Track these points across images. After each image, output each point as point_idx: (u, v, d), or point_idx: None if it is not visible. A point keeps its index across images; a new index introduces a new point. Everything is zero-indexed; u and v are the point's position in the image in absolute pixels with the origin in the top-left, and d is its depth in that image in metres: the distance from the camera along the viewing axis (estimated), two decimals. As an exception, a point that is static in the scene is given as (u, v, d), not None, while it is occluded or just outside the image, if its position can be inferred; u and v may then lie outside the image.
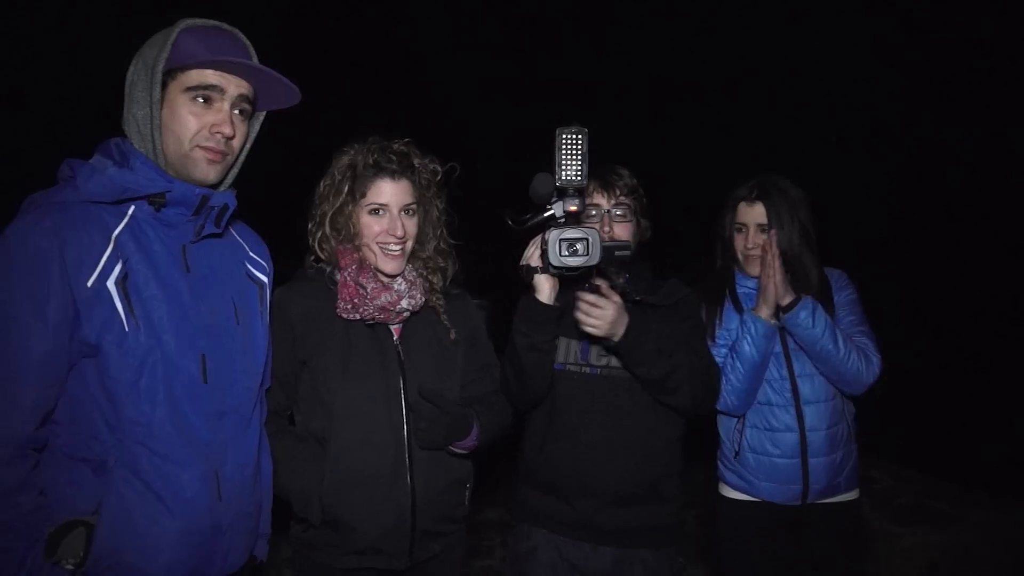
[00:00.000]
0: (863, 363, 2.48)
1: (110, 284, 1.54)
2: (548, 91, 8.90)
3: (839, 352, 2.45)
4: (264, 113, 1.82)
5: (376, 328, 2.12)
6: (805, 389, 2.54)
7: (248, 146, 1.80)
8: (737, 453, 2.59)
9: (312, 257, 2.18)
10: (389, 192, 2.09)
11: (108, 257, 1.55)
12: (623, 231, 2.24)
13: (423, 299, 2.15)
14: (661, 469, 2.26)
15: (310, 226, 2.15)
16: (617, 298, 2.06)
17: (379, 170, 2.09)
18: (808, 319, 2.43)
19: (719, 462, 2.71)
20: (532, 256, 2.06)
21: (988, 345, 7.88)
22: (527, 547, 2.32)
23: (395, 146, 2.12)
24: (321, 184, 2.14)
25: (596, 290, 2.06)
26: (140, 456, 1.57)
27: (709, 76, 9.72)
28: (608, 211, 2.25)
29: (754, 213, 2.59)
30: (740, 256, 2.65)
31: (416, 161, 2.13)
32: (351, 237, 2.12)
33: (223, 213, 1.70)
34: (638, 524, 2.21)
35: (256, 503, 1.82)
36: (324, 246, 2.13)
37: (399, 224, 2.08)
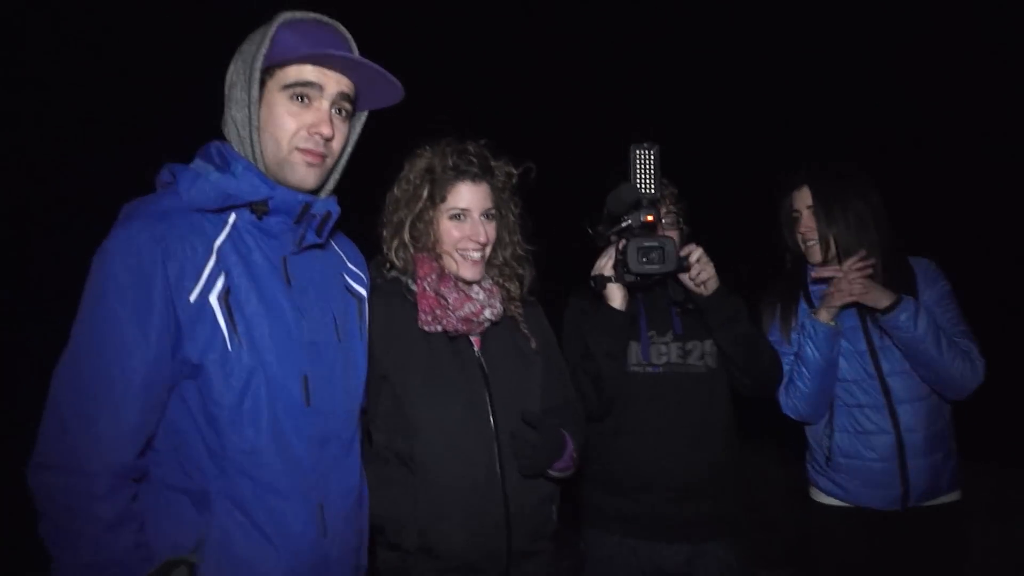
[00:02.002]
0: (967, 367, 2.32)
1: (212, 299, 1.43)
2: (594, 96, 8.88)
3: (942, 356, 2.30)
4: (366, 113, 1.71)
5: (457, 340, 2.02)
6: (897, 387, 2.39)
7: (349, 149, 1.69)
8: (829, 458, 2.46)
9: (387, 266, 2.06)
10: (470, 196, 2.01)
11: (211, 270, 1.44)
12: (673, 236, 2.27)
13: (502, 308, 2.06)
14: (719, 458, 2.32)
15: (385, 234, 2.05)
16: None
17: (459, 173, 2.00)
18: (910, 321, 2.29)
19: (808, 466, 2.59)
20: (605, 266, 2.16)
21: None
22: (602, 555, 2.34)
23: (472, 148, 2.03)
24: (396, 189, 2.05)
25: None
26: (243, 487, 1.45)
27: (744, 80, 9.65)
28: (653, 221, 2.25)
29: (803, 196, 2.50)
30: (801, 246, 2.54)
31: (494, 163, 2.05)
32: (430, 244, 2.02)
33: (325, 222, 1.58)
34: (705, 515, 2.26)
35: (359, 535, 1.71)
36: (400, 254, 2.03)
37: (481, 229, 2.01)
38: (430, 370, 1.97)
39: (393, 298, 2.01)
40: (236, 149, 1.54)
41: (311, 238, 1.57)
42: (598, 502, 2.39)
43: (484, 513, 1.95)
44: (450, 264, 2.02)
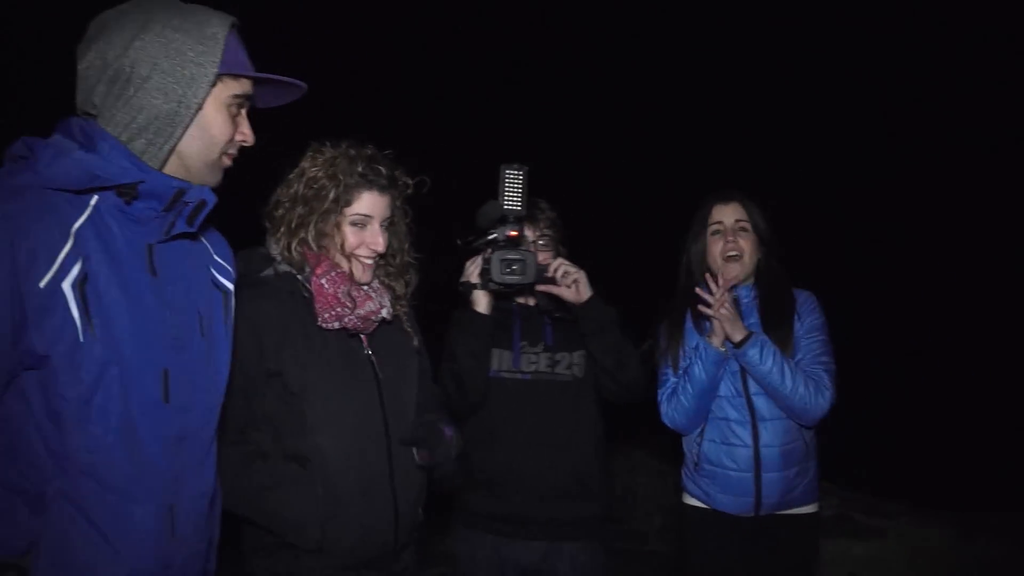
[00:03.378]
0: (812, 396, 2.51)
1: (66, 286, 1.31)
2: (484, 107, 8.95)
3: (787, 387, 2.49)
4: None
5: (351, 338, 2.06)
6: (760, 406, 2.58)
7: None
8: (696, 464, 2.66)
9: (276, 260, 2.06)
10: (373, 205, 2.05)
11: (67, 255, 1.32)
12: (544, 258, 2.45)
13: (391, 307, 2.13)
14: (586, 466, 2.48)
15: (280, 228, 2.05)
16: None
17: (367, 182, 2.04)
18: (756, 356, 2.49)
19: (682, 471, 2.77)
20: (472, 273, 2.33)
21: (902, 355, 8.17)
22: (467, 551, 2.52)
23: (380, 158, 2.09)
24: (298, 185, 2.05)
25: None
26: (85, 488, 1.35)
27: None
28: (533, 241, 2.48)
29: (730, 211, 2.65)
30: (718, 260, 2.63)
31: (398, 176, 2.12)
32: (327, 245, 2.05)
33: (199, 210, 1.48)
34: (564, 516, 2.41)
35: (208, 539, 1.61)
36: (297, 251, 2.03)
37: (380, 238, 2.06)
38: (327, 368, 1.99)
39: (283, 294, 2.02)
40: (141, 138, 1.43)
41: (181, 226, 1.47)
42: (467, 501, 2.53)
43: (377, 509, 2.00)
44: (343, 264, 2.06)
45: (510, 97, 9.44)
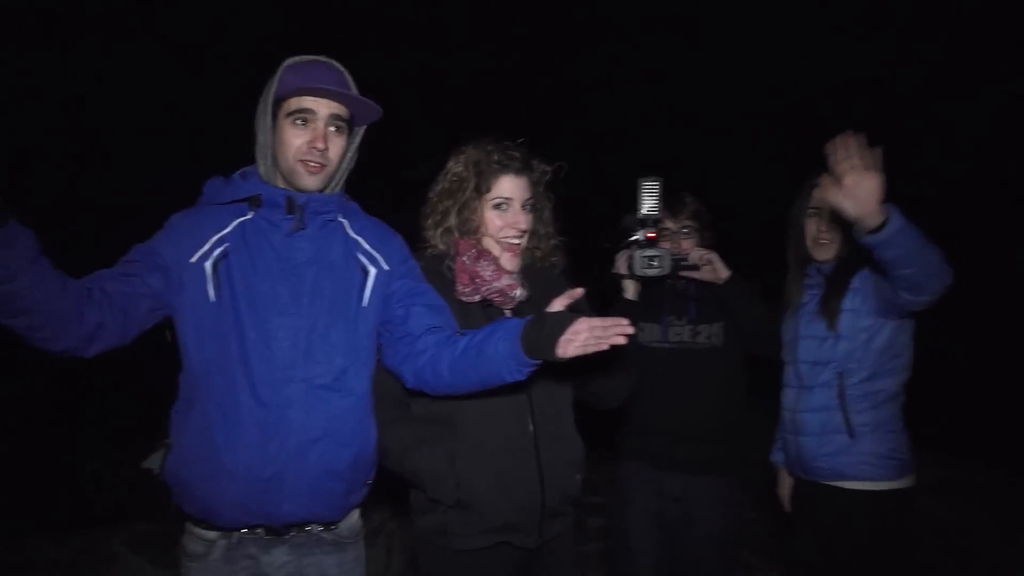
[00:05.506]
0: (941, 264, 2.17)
1: (207, 264, 1.87)
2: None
3: (932, 255, 2.13)
4: (364, 128, 2.06)
5: (491, 310, 2.20)
6: (804, 372, 2.65)
7: (350, 155, 2.04)
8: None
9: (427, 249, 2.27)
10: (512, 187, 2.20)
11: (213, 243, 1.88)
12: (688, 244, 2.91)
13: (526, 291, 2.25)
14: (719, 417, 2.92)
15: (429, 220, 2.26)
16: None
17: (503, 167, 2.20)
18: (901, 226, 2.05)
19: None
20: (620, 267, 2.70)
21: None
22: (624, 476, 3.05)
23: (513, 145, 2.25)
24: (444, 180, 2.26)
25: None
26: (207, 404, 1.83)
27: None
28: (676, 231, 2.95)
29: None
30: (809, 242, 2.66)
31: (533, 161, 2.26)
32: (474, 229, 2.22)
33: (304, 210, 1.93)
34: (701, 457, 2.88)
35: (324, 466, 1.89)
36: (443, 239, 2.23)
37: (522, 217, 2.21)
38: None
39: (429, 273, 2.17)
40: (260, 165, 1.96)
41: (301, 223, 1.93)
42: (624, 440, 3.07)
43: (519, 470, 2.10)
44: (493, 249, 2.22)
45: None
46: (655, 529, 2.99)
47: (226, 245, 1.89)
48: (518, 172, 2.21)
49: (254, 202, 1.93)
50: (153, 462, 1.88)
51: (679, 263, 2.70)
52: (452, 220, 2.20)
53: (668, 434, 2.92)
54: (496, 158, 2.19)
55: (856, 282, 2.52)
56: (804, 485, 2.67)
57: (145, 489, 2.05)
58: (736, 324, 2.89)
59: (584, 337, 1.64)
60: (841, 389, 2.53)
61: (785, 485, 2.84)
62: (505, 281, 2.16)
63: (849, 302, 2.52)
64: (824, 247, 2.63)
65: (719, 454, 2.92)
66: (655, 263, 2.61)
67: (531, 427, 2.12)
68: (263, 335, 1.85)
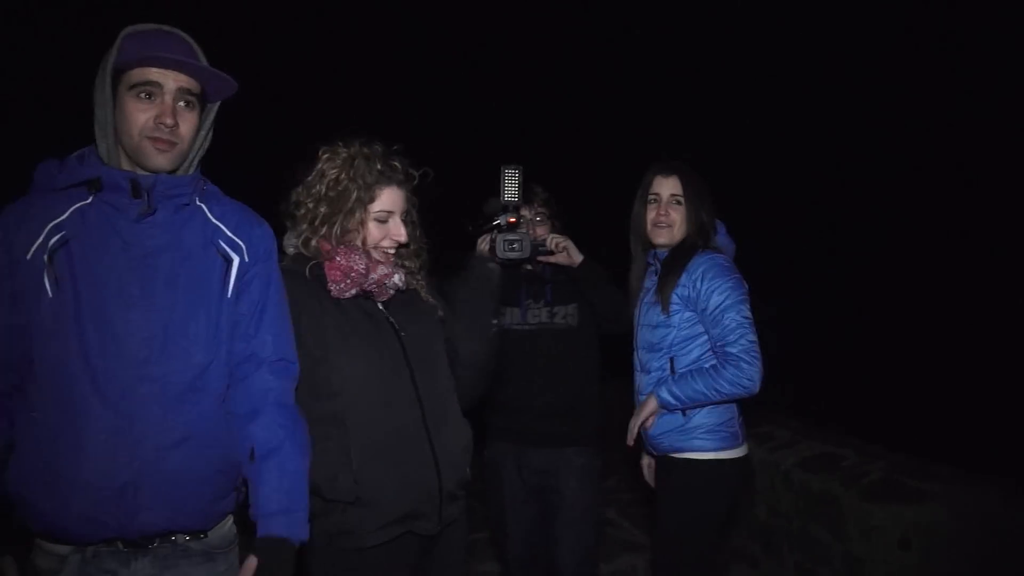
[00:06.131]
0: (736, 382, 2.58)
1: (44, 256, 1.67)
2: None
3: (712, 396, 2.62)
4: (217, 104, 1.90)
5: (365, 302, 2.18)
6: (642, 358, 2.92)
7: (204, 133, 1.88)
8: None
9: (288, 249, 2.22)
10: (395, 200, 2.20)
11: (48, 232, 1.69)
12: (542, 231, 3.13)
13: (405, 278, 2.27)
14: (579, 392, 3.15)
15: (303, 225, 2.19)
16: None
17: (387, 179, 2.18)
18: (671, 402, 2.69)
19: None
20: (483, 250, 2.76)
21: (949, 322, 8.04)
22: (493, 457, 3.26)
23: (395, 155, 2.23)
24: (320, 184, 2.17)
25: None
26: (47, 407, 1.67)
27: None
28: (530, 219, 3.11)
29: (668, 184, 2.83)
30: (648, 226, 2.84)
31: (410, 171, 2.26)
32: (350, 240, 2.17)
33: (152, 192, 1.76)
34: (563, 431, 3.10)
35: (185, 470, 1.75)
36: (314, 246, 2.17)
37: (402, 229, 2.20)
38: (345, 330, 2.11)
39: (294, 274, 2.12)
40: (99, 143, 1.77)
41: (149, 207, 1.76)
42: (490, 421, 3.25)
43: (415, 457, 2.11)
44: (369, 256, 2.20)
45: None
46: (528, 504, 3.23)
47: (63, 233, 1.70)
48: (400, 184, 2.20)
49: (93, 186, 1.74)
50: None
51: (537, 248, 2.87)
52: (334, 229, 2.14)
53: (530, 411, 3.12)
54: (379, 168, 2.16)
55: (690, 267, 2.70)
56: (657, 460, 2.90)
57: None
58: (589, 305, 3.09)
59: None
60: (673, 372, 2.74)
61: (645, 462, 3.05)
62: (381, 271, 2.16)
63: (681, 288, 2.70)
64: (662, 231, 2.80)
65: (578, 427, 3.15)
66: (515, 247, 2.72)
67: (420, 412, 2.13)
68: (109, 330, 1.69)
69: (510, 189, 2.71)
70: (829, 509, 3.82)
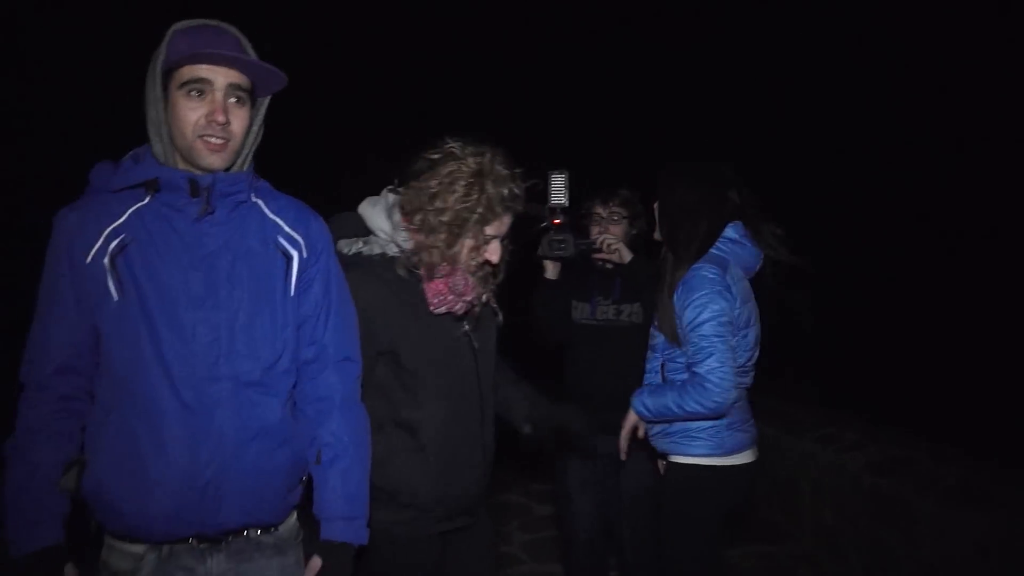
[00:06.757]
0: (698, 400, 2.51)
1: (104, 260, 1.67)
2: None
3: (681, 412, 2.57)
4: (268, 98, 1.86)
5: (450, 318, 2.18)
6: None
7: (255, 129, 1.84)
8: None
9: (391, 246, 2.17)
10: (504, 226, 2.17)
11: (107, 236, 1.69)
12: (616, 230, 3.27)
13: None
14: (638, 386, 3.03)
15: (421, 235, 2.11)
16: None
17: (508, 209, 2.14)
18: (643, 411, 2.69)
19: None
20: (541, 250, 3.00)
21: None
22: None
23: (518, 182, 2.16)
24: (447, 197, 2.07)
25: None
26: (127, 410, 1.68)
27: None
28: (606, 217, 3.30)
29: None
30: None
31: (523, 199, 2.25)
32: (454, 254, 2.11)
33: (211, 192, 1.74)
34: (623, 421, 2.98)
35: (260, 467, 1.77)
36: (435, 255, 2.10)
37: (498, 252, 2.18)
38: (436, 347, 2.16)
39: (391, 275, 2.13)
40: (154, 143, 1.74)
41: (210, 206, 1.75)
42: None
43: (474, 469, 2.23)
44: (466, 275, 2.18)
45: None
46: (592, 489, 3.40)
47: (122, 236, 1.69)
48: (514, 212, 2.16)
49: (151, 187, 1.72)
50: (67, 482, 1.68)
51: (587, 246, 3.12)
52: (447, 244, 2.08)
53: (595, 401, 3.15)
54: (506, 196, 2.10)
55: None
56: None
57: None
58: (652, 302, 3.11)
59: None
60: (663, 376, 2.73)
61: (660, 464, 2.99)
62: (475, 292, 2.16)
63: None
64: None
65: None
66: (561, 246, 2.94)
67: (480, 420, 2.24)
68: (179, 332, 1.69)
69: (557, 192, 2.84)
70: (900, 513, 3.71)
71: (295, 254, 1.87)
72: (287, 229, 1.88)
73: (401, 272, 2.13)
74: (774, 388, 6.05)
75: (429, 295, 2.11)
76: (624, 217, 3.33)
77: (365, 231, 2.20)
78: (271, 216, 1.87)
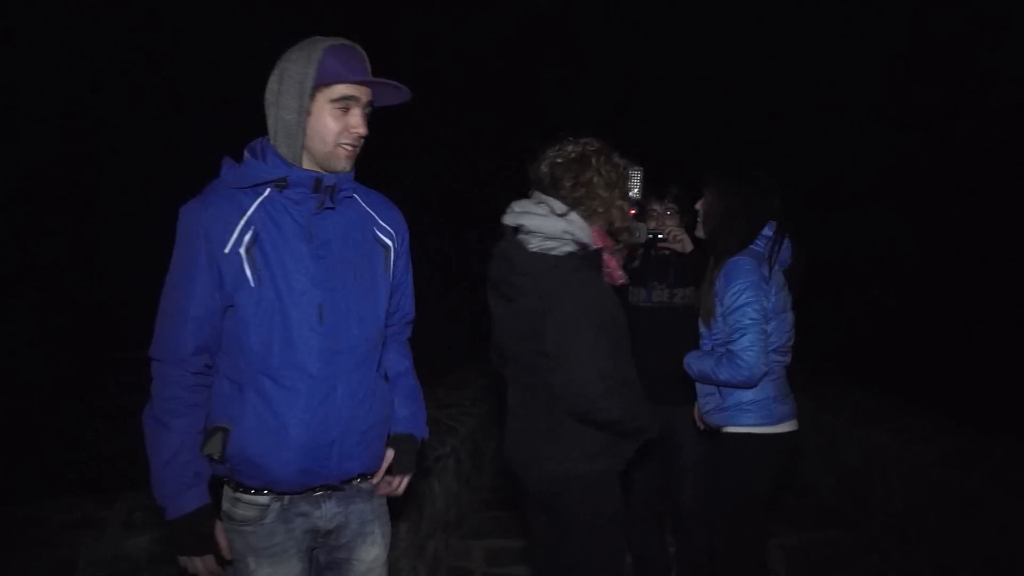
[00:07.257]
0: (732, 375, 2.86)
1: (241, 250, 1.89)
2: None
3: (716, 377, 2.93)
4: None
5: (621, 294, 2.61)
6: None
7: None
8: None
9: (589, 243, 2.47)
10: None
11: (241, 228, 1.90)
12: (671, 223, 3.53)
13: None
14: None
15: (586, 207, 2.49)
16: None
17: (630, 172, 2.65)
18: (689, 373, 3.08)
19: None
20: None
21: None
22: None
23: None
24: (612, 174, 2.53)
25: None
26: (263, 382, 1.92)
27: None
28: (661, 212, 3.56)
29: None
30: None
31: None
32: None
33: (334, 191, 2.00)
34: (679, 395, 3.39)
35: (368, 424, 2.08)
36: (597, 227, 2.49)
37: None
38: (622, 313, 2.55)
39: (596, 269, 2.49)
40: (282, 143, 1.95)
41: (328, 203, 1.99)
42: None
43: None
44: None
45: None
46: (648, 457, 3.49)
47: (254, 228, 1.91)
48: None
49: (280, 184, 1.95)
50: (213, 448, 1.92)
51: (653, 235, 3.43)
52: (616, 215, 2.52)
53: (650, 375, 3.30)
54: (625, 163, 2.59)
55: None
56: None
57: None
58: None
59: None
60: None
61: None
62: (620, 266, 2.57)
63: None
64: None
65: (691, 390, 3.39)
66: (635, 235, 3.10)
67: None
68: (306, 313, 1.93)
69: (631, 186, 3.06)
70: (970, 507, 3.71)
71: (391, 244, 2.16)
72: (380, 221, 2.15)
73: (596, 259, 2.50)
74: (844, 378, 6.05)
75: (615, 274, 2.54)
76: (676, 212, 3.59)
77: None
78: (367, 208, 2.14)
